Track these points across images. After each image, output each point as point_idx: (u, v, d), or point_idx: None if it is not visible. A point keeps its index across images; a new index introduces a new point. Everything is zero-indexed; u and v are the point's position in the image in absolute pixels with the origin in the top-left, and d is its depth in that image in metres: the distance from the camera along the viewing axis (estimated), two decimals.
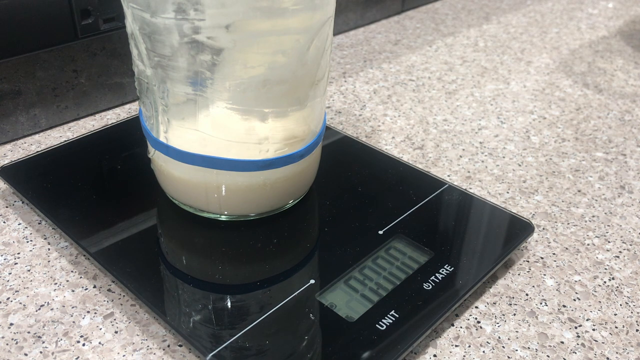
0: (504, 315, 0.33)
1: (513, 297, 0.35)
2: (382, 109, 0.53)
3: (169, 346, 0.31)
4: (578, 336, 0.32)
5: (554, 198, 0.43)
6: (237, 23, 0.30)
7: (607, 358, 0.31)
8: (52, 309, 0.33)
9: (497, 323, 0.33)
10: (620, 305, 0.35)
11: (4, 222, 0.39)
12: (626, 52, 0.67)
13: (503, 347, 0.32)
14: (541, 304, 0.34)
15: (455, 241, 0.36)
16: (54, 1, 0.45)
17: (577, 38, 0.70)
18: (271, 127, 0.34)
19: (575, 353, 0.31)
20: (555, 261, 0.37)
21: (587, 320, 0.33)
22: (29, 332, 0.31)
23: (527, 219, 0.38)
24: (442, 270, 0.34)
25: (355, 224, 0.37)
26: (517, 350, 0.32)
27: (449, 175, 0.45)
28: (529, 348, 0.32)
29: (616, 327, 0.33)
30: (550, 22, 0.75)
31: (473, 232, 0.37)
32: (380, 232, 0.37)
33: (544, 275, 0.36)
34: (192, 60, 0.31)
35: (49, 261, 0.36)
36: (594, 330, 0.33)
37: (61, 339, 0.31)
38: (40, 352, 0.30)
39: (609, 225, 0.41)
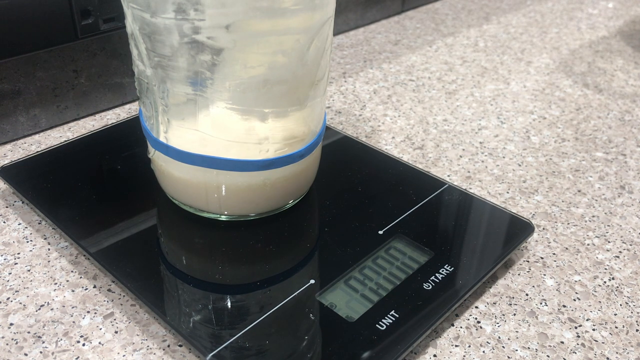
0: (504, 315, 0.33)
1: (513, 297, 0.35)
2: (382, 109, 0.53)
3: (169, 346, 0.31)
4: (578, 336, 0.32)
5: (554, 198, 0.43)
6: (237, 23, 0.30)
7: (607, 358, 0.31)
8: (52, 309, 0.33)
9: (497, 323, 0.33)
10: (620, 305, 0.35)
11: (4, 222, 0.39)
12: (626, 52, 0.67)
13: (503, 347, 0.32)
14: (541, 304, 0.34)
15: (455, 241, 0.36)
16: (54, 1, 0.45)
17: (577, 38, 0.70)
18: (271, 127, 0.34)
19: (575, 353, 0.31)
20: (555, 261, 0.37)
21: (587, 320, 0.33)
22: (29, 332, 0.31)
23: (527, 219, 0.38)
24: (442, 270, 0.34)
25: (355, 224, 0.37)
26: (517, 350, 0.32)
27: (449, 175, 0.45)
28: (529, 348, 0.32)
29: (616, 327, 0.33)
30: (550, 22, 0.75)
31: (473, 232, 0.37)
32: (380, 232, 0.37)
33: (544, 275, 0.36)
34: (192, 60, 0.31)
35: (49, 261, 0.36)
36: (594, 330, 0.33)
37: (61, 339, 0.31)
38: (40, 352, 0.30)
39: (609, 225, 0.41)
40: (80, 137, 0.45)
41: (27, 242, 0.37)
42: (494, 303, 0.34)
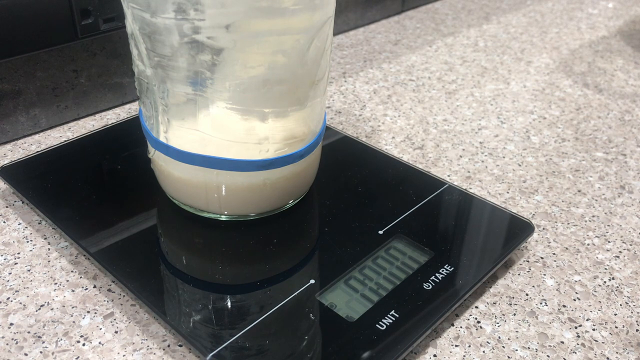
0: (504, 315, 0.33)
1: (513, 297, 0.35)
2: (382, 109, 0.53)
3: (169, 346, 0.31)
4: (578, 336, 0.32)
5: (554, 198, 0.43)
6: (237, 23, 0.30)
7: (607, 358, 0.31)
8: (52, 309, 0.33)
9: (497, 323, 0.33)
10: (620, 305, 0.35)
11: (4, 222, 0.39)
12: (626, 52, 0.67)
13: (503, 347, 0.32)
14: (541, 304, 0.34)
15: (455, 241, 0.36)
16: (54, 1, 0.45)
17: (577, 38, 0.70)
18: (271, 127, 0.34)
19: (575, 353, 0.31)
20: (555, 261, 0.37)
21: (587, 320, 0.33)
22: (29, 332, 0.31)
23: (527, 219, 0.38)
24: (442, 270, 0.34)
25: (355, 224, 0.37)
26: (517, 350, 0.32)
27: (449, 175, 0.45)
28: (529, 348, 0.32)
29: (616, 327, 0.33)
30: (550, 22, 0.75)
31: (473, 232, 0.37)
32: (380, 232, 0.37)
33: (544, 275, 0.36)
34: (192, 60, 0.31)
35: (49, 261, 0.36)
36: (594, 330, 0.33)
37: (61, 339, 0.31)
38: (40, 352, 0.30)
39: (609, 225, 0.41)
40: (80, 137, 0.45)
41: (27, 242, 0.37)
42: (494, 303, 0.34)
